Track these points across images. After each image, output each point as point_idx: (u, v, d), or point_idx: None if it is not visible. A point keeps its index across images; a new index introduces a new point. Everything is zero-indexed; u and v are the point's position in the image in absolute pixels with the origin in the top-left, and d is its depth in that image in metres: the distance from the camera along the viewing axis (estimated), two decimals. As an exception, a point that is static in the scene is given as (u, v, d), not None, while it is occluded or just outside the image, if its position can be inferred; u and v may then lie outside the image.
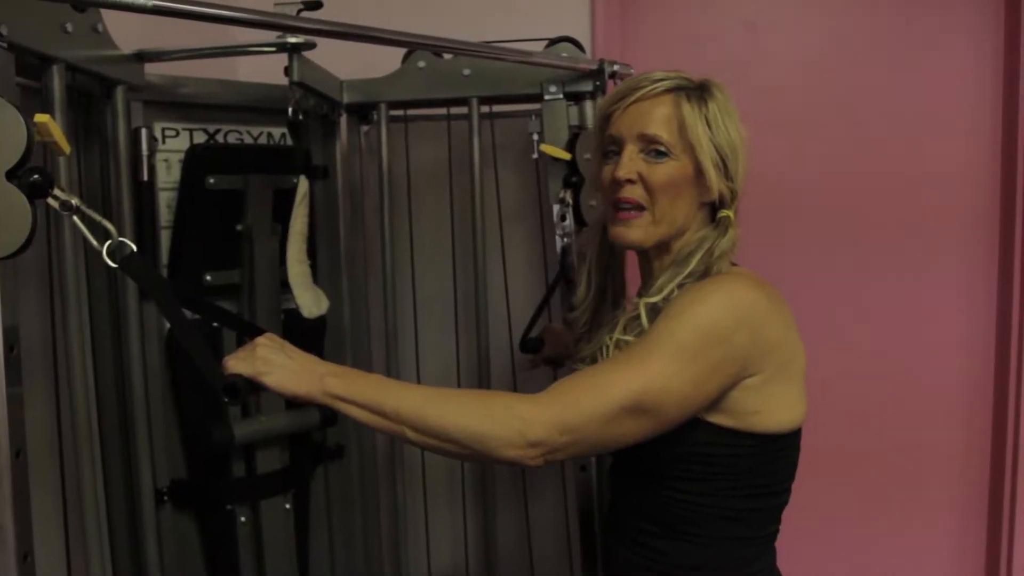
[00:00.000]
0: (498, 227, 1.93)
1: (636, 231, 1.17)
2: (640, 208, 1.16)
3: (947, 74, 1.96)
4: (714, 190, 1.15)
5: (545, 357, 1.68)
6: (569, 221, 1.56)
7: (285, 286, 1.58)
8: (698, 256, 1.15)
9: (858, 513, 2.06)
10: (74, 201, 0.94)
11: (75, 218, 0.95)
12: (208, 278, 1.52)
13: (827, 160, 2.00)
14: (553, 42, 1.70)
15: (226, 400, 1.05)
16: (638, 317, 1.15)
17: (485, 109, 1.75)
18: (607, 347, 1.19)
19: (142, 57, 1.35)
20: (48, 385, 1.26)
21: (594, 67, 1.60)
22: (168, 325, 1.45)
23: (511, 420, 1.01)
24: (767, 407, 1.11)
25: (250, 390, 1.06)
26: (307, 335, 1.64)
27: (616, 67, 1.60)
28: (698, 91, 1.17)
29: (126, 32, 1.29)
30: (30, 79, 1.09)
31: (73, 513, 1.30)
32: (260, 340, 1.10)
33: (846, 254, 2.01)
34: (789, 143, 1.99)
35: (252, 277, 1.54)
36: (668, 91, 1.16)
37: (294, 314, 1.62)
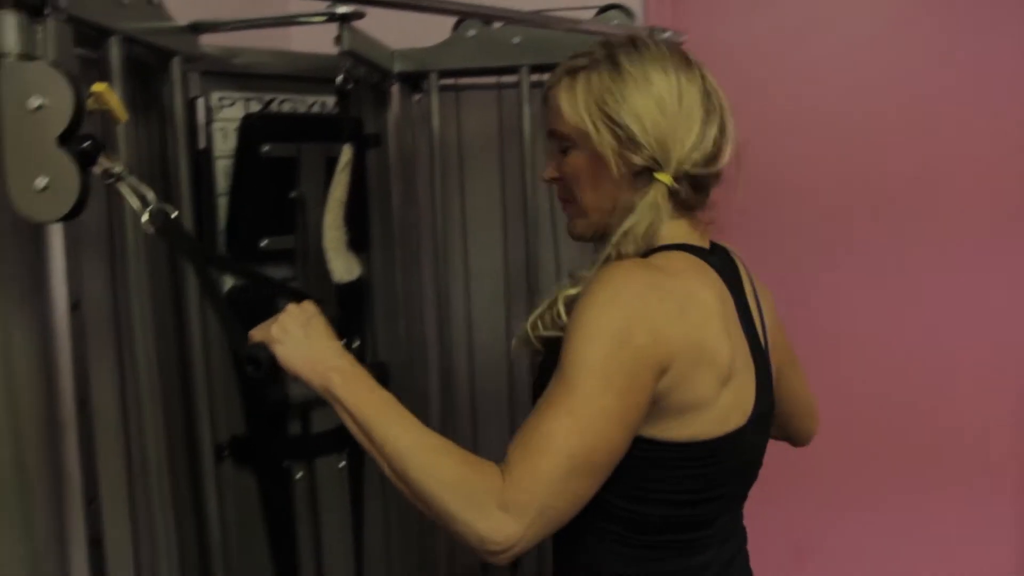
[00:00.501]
0: (548, 196, 1.94)
1: (574, 227, 1.14)
2: (572, 203, 1.13)
3: (1000, 68, 1.91)
4: (612, 168, 1.05)
5: None
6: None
7: (338, 252, 1.62)
8: (612, 240, 1.05)
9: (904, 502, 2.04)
10: (117, 168, 0.98)
11: (119, 185, 0.99)
12: (263, 243, 1.57)
13: (882, 135, 1.97)
14: (603, 10, 1.69)
15: (248, 370, 1.05)
16: (554, 305, 1.08)
17: (535, 77, 1.76)
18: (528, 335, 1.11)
19: (197, 28, 1.40)
20: (111, 343, 1.33)
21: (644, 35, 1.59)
22: (227, 286, 1.51)
23: (480, 523, 0.91)
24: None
25: (274, 362, 1.05)
26: (352, 299, 1.69)
27: (667, 34, 1.59)
28: (599, 64, 1.08)
29: (180, 4, 1.33)
30: (89, 50, 1.14)
31: (136, 465, 1.37)
32: (289, 308, 1.09)
33: (902, 244, 1.98)
34: (842, 113, 1.95)
35: (305, 243, 1.59)
36: (567, 74, 1.10)
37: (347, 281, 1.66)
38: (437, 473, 0.94)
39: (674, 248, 1.06)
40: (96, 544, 1.14)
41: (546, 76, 1.76)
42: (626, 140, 1.04)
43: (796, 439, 1.36)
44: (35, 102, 0.92)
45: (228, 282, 1.54)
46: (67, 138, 0.92)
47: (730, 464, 1.06)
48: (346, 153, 1.53)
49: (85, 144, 0.93)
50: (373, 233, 1.79)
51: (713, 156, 1.06)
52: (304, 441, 1.66)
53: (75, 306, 1.06)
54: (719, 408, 1.02)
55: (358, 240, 1.64)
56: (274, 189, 1.56)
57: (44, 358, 1.09)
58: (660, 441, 1.01)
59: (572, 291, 1.06)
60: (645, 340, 0.95)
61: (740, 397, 1.04)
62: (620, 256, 1.04)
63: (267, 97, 1.60)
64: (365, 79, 1.70)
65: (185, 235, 1.13)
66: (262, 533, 1.68)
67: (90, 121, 1.00)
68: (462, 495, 0.92)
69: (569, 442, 0.92)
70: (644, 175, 1.06)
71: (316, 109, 1.68)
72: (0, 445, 0.99)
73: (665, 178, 1.04)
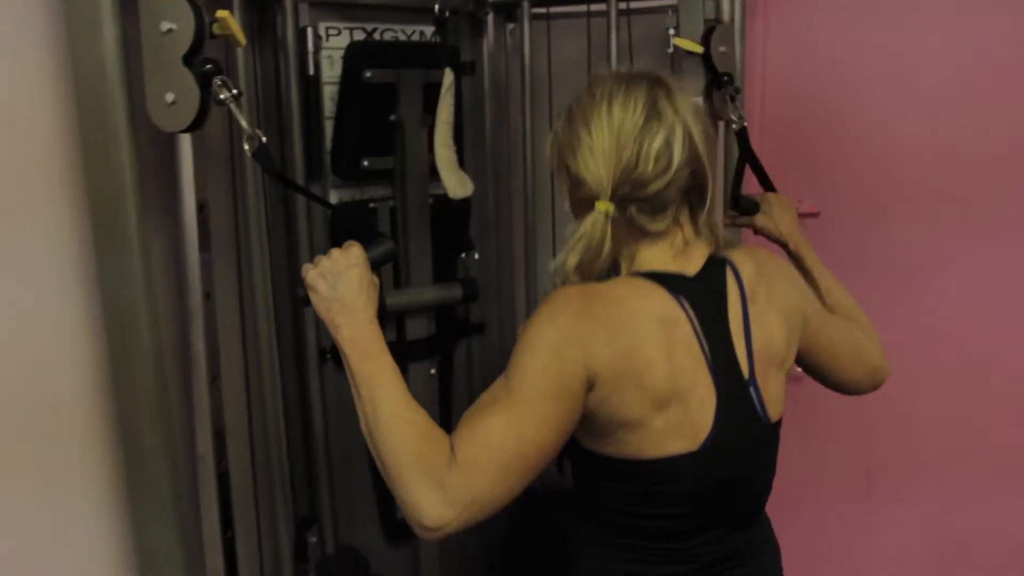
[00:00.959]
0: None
1: None
2: None
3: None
4: (567, 203, 1.19)
5: (757, 224, 1.60)
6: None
7: (433, 173, 1.74)
8: (554, 267, 1.15)
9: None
10: (232, 93, 1.11)
11: (232, 106, 1.12)
12: (365, 163, 1.70)
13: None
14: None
15: (302, 304, 1.17)
16: None
17: (623, 5, 1.80)
18: None
19: (308, -38, 1.52)
20: (232, 243, 1.50)
21: (731, -39, 1.61)
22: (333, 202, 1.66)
23: (420, 483, 1.00)
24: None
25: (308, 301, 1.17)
26: (453, 217, 1.82)
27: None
28: (561, 117, 1.18)
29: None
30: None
31: (251, 354, 1.55)
32: (332, 253, 1.16)
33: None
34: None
35: (404, 164, 1.71)
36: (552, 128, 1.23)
37: (441, 199, 1.78)
38: (398, 441, 1.03)
39: (643, 276, 1.14)
40: (220, 437, 1.32)
41: (634, 4, 1.82)
42: (573, 179, 1.14)
43: (847, 389, 1.39)
44: (166, 26, 1.07)
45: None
46: (190, 59, 1.06)
47: (683, 486, 1.12)
48: (448, 76, 1.62)
49: (206, 67, 1.07)
50: (467, 158, 1.90)
51: (654, 176, 1.10)
52: (399, 347, 1.81)
53: (201, 208, 1.22)
54: (654, 431, 1.08)
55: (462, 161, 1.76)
56: (375, 113, 1.68)
57: (176, 254, 1.26)
58: (599, 455, 1.12)
59: None
60: (575, 355, 1.04)
61: (684, 423, 1.10)
62: (565, 283, 1.12)
63: (370, 27, 1.72)
64: (461, 8, 1.79)
65: (271, 161, 1.21)
66: (359, 433, 1.86)
67: (215, 46, 1.14)
68: (414, 468, 1.00)
69: (506, 441, 1.01)
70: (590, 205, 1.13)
71: (416, 38, 1.79)
72: (140, 328, 1.16)
73: (601, 205, 1.10)
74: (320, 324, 1.62)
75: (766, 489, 1.23)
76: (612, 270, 1.15)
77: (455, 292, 1.82)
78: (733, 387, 1.13)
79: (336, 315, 1.13)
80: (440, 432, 1.05)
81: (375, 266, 1.20)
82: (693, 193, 1.15)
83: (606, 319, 1.07)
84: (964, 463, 2.04)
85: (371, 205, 1.74)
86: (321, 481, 1.67)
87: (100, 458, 1.32)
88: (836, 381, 1.36)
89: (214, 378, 1.27)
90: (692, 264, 1.16)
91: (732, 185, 1.61)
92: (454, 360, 1.96)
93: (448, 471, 0.99)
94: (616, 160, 1.09)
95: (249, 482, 1.58)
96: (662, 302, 1.11)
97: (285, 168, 1.57)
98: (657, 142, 1.09)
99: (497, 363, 2.01)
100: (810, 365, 1.32)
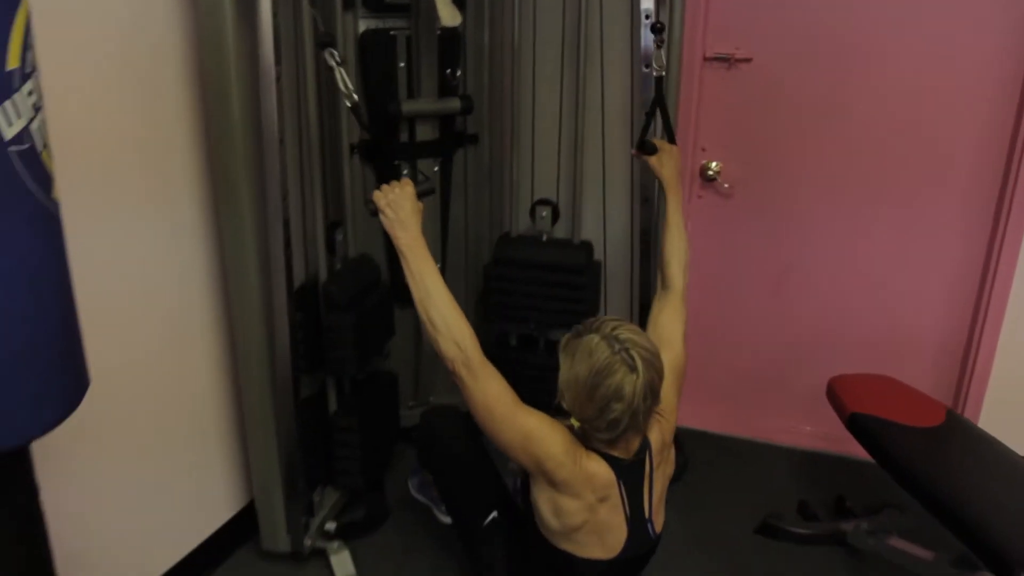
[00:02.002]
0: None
1: None
2: None
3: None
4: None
5: (650, 163, 2.11)
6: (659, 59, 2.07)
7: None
8: None
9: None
10: (338, 61, 1.64)
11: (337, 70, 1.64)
12: (388, -1, 2.19)
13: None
14: None
15: (371, 215, 1.71)
16: None
17: None
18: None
19: None
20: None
21: None
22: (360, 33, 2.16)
23: (449, 342, 1.61)
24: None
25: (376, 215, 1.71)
26: (447, 45, 2.31)
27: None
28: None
29: None
30: None
31: (305, 161, 2.07)
32: (396, 186, 1.70)
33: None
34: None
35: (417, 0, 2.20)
36: None
37: (446, 30, 2.26)
38: (442, 309, 1.63)
39: (597, 453, 1.65)
40: (286, 225, 1.87)
41: None
42: (560, 390, 1.63)
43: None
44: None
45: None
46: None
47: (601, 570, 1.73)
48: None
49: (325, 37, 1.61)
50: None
51: (610, 425, 1.58)
52: (410, 146, 2.35)
53: (281, 140, 1.72)
54: (589, 545, 1.69)
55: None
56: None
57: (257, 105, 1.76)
58: (550, 544, 1.72)
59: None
60: (553, 442, 1.63)
61: (610, 544, 1.70)
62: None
63: None
64: None
65: (361, 115, 1.79)
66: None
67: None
68: (447, 328, 1.62)
69: (501, 394, 1.63)
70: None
71: None
72: (232, 97, 1.70)
73: (573, 421, 1.64)
74: (351, 127, 2.20)
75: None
76: None
77: (455, 104, 2.34)
78: (639, 527, 1.72)
79: (396, 228, 1.69)
80: (462, 315, 1.66)
81: (419, 196, 1.73)
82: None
83: (573, 457, 1.65)
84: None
85: (391, 33, 2.23)
86: (346, 181, 2.22)
87: (201, 185, 1.90)
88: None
89: (284, 196, 1.80)
90: (628, 452, 1.67)
91: (642, 127, 2.13)
92: (453, 162, 2.50)
93: (469, 349, 1.62)
94: (585, 406, 1.60)
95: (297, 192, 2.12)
96: (606, 478, 1.66)
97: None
98: (624, 406, 1.57)
99: (486, 168, 2.55)
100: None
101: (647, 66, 2.22)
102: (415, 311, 1.68)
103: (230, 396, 2.12)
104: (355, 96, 1.74)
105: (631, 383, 1.56)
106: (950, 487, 1.78)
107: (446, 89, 2.36)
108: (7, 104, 0.90)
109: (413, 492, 2.22)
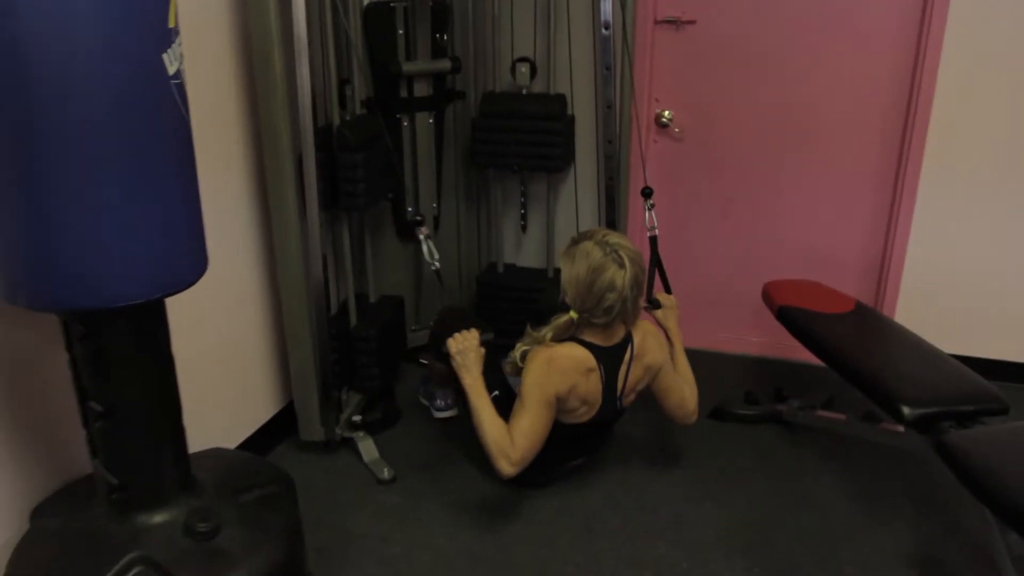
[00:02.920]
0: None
1: None
2: None
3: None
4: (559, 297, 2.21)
5: (656, 316, 2.54)
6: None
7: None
8: (539, 336, 2.20)
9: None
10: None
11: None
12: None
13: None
14: None
15: (439, 350, 2.24)
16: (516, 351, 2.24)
17: None
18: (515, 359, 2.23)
19: None
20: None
21: None
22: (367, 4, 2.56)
23: (501, 459, 2.06)
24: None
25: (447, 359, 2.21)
26: (438, 14, 2.72)
27: None
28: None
29: None
30: None
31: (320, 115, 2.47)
32: (464, 334, 2.16)
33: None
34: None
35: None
36: None
37: (437, 2, 2.67)
38: (493, 434, 2.07)
39: (579, 342, 2.17)
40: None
41: None
42: (563, 288, 2.15)
43: (667, 415, 2.46)
44: None
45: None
46: None
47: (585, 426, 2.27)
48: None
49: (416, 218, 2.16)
50: None
51: (606, 311, 2.10)
52: (409, 101, 2.77)
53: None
54: (580, 411, 2.22)
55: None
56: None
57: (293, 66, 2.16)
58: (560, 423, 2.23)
59: (524, 347, 2.21)
60: (550, 389, 2.12)
61: (592, 405, 2.22)
62: (542, 342, 2.18)
63: None
64: None
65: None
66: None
67: None
68: (497, 448, 2.06)
69: (533, 428, 2.09)
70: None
71: None
72: (275, 60, 2.10)
73: (572, 314, 2.14)
74: (358, 85, 2.60)
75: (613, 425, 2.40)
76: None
77: (445, 64, 2.75)
78: (610, 398, 2.23)
79: (462, 372, 2.15)
80: (506, 427, 2.10)
81: (482, 343, 2.18)
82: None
83: (561, 371, 2.14)
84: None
85: (392, 5, 2.63)
86: (354, 52, 2.60)
87: (250, 162, 2.30)
88: (663, 407, 2.43)
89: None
90: (610, 339, 2.19)
91: (648, 286, 2.56)
92: (445, 115, 2.92)
93: (512, 450, 2.06)
94: (586, 295, 2.12)
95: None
96: (589, 359, 2.17)
97: None
98: (616, 292, 2.09)
99: (471, 120, 2.97)
100: (653, 388, 2.39)
101: (606, 28, 2.65)
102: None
103: (273, 312, 2.53)
104: (438, 263, 2.35)
105: (621, 276, 2.07)
106: (855, 354, 2.24)
107: (438, 52, 2.77)
108: (170, 51, 1.31)
109: (421, 399, 2.82)
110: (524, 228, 3.18)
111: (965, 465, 1.79)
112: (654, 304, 2.54)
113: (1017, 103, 2.69)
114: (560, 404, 2.15)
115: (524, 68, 2.82)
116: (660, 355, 2.33)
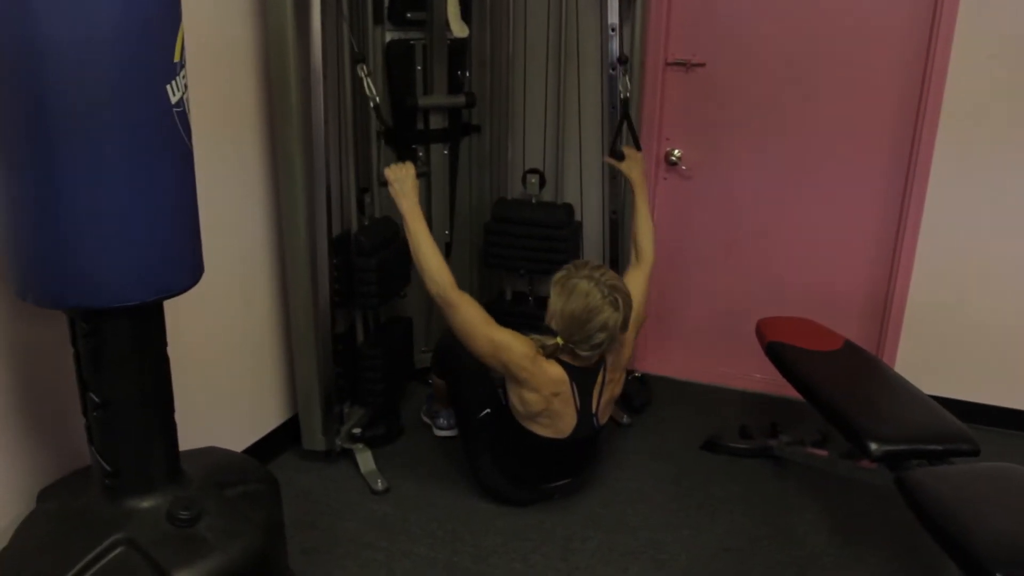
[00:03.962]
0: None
1: None
2: None
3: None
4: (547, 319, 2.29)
5: (619, 167, 2.70)
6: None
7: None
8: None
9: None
10: (367, 72, 2.20)
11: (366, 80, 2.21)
12: (408, 15, 2.75)
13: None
14: None
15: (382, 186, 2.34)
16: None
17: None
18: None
19: None
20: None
21: None
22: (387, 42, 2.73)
23: (431, 283, 2.22)
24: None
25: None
26: (456, 52, 2.88)
27: None
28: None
29: None
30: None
31: (342, 141, 2.64)
32: (408, 167, 2.30)
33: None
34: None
35: (432, 16, 2.77)
36: None
37: (455, 40, 2.83)
38: (431, 262, 2.23)
39: (556, 360, 2.27)
40: (328, 188, 2.43)
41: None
42: (550, 314, 2.25)
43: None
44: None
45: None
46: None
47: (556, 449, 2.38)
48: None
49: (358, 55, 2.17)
50: (473, 10, 2.92)
51: (593, 346, 2.20)
52: (424, 133, 2.92)
53: (325, 68, 2.29)
54: (545, 422, 2.31)
55: (465, 14, 2.79)
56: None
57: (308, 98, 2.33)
58: (522, 427, 2.35)
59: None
60: (513, 353, 2.24)
61: (564, 421, 2.32)
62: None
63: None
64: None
65: (381, 115, 2.42)
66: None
67: None
68: (432, 270, 2.22)
69: (472, 312, 2.24)
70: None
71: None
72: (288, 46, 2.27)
73: (559, 340, 2.23)
74: (379, 116, 2.77)
75: (595, 447, 2.48)
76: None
77: (461, 99, 2.91)
78: (586, 415, 2.33)
79: (399, 197, 2.29)
80: (444, 260, 2.26)
81: (418, 175, 2.32)
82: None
83: (531, 373, 2.24)
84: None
85: (411, 42, 2.80)
86: (373, 159, 2.77)
87: (265, 154, 2.47)
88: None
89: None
90: (586, 362, 2.29)
91: (612, 136, 2.68)
92: (460, 147, 3.07)
93: (448, 288, 2.22)
94: (573, 329, 2.20)
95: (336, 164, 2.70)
96: (560, 381, 2.27)
97: (363, 13, 2.62)
98: (602, 327, 2.18)
99: (486, 152, 3.11)
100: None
101: (613, 69, 2.77)
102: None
103: (283, 329, 2.68)
104: (377, 99, 2.33)
105: (615, 319, 2.18)
106: (833, 392, 2.30)
107: (455, 87, 2.93)
108: (173, 82, 1.47)
109: (423, 416, 2.94)
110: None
111: (920, 500, 1.84)
112: (619, 156, 2.69)
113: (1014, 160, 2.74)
114: (519, 395, 2.27)
115: (534, 179, 3.01)
116: (621, 371, 2.44)
